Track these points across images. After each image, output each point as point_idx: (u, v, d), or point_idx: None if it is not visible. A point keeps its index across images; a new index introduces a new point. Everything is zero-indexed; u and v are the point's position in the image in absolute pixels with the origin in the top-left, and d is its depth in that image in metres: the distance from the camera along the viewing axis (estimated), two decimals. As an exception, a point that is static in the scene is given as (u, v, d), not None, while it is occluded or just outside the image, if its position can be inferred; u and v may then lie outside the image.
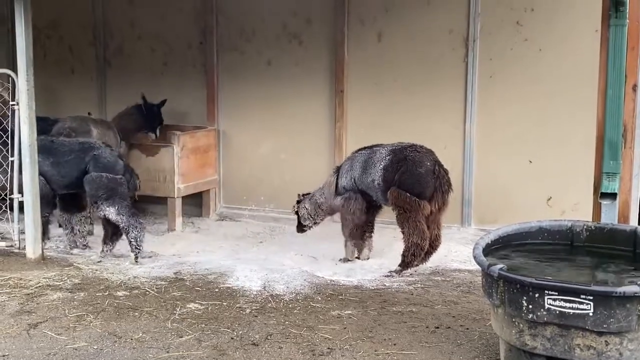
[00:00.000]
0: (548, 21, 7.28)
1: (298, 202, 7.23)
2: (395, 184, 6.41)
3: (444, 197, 6.44)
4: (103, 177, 6.78)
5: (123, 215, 6.78)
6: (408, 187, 6.37)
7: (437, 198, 6.39)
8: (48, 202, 6.97)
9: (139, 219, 6.88)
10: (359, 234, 6.89)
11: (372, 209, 6.87)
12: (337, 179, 6.90)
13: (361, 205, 6.74)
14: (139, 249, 6.80)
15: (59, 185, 6.99)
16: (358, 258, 6.97)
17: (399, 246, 6.57)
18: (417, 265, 6.48)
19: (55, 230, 7.71)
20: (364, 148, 6.89)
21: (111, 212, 6.80)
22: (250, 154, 8.82)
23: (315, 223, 7.22)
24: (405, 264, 6.44)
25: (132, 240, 6.79)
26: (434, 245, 6.62)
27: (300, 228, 7.30)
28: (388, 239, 7.26)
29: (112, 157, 6.97)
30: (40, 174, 6.77)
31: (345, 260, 6.90)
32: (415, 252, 6.37)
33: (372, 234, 7.05)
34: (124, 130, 8.32)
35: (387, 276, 6.39)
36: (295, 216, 7.27)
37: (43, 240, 6.89)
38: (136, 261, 6.74)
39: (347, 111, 8.21)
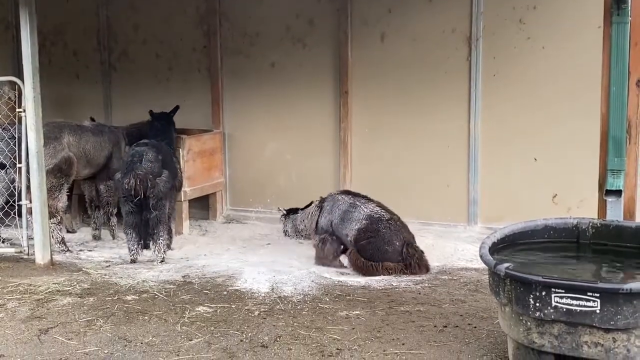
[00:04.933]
0: (551, 19, 7.28)
1: (284, 215, 7.76)
2: (357, 247, 6.57)
3: (412, 272, 6.42)
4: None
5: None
6: (368, 256, 6.51)
7: (400, 270, 6.44)
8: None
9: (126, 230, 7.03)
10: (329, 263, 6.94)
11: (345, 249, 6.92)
12: (319, 216, 7.04)
13: (336, 247, 6.87)
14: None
15: None
16: None
17: None
18: None
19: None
20: (348, 194, 7.06)
21: None
22: (256, 156, 8.85)
23: (294, 238, 7.67)
24: None
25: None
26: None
27: (285, 234, 7.80)
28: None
29: (125, 156, 7.21)
30: None
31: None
32: None
33: None
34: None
35: None
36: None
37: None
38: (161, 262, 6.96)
39: (352, 111, 8.23)
